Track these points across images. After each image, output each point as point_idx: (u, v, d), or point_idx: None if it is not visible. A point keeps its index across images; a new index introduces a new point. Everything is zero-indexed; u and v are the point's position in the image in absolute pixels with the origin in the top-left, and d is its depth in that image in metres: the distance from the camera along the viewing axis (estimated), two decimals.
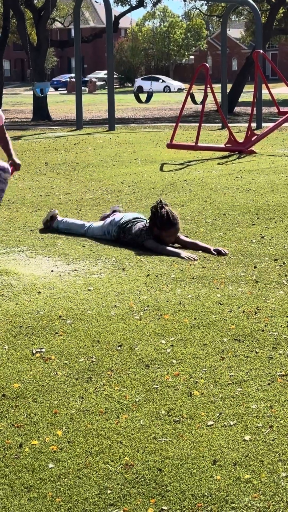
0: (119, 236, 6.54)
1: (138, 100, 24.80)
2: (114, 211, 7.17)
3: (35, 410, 3.35)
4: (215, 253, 6.06)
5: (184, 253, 6.05)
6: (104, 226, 6.70)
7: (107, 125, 20.21)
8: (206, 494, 2.70)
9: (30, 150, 14.54)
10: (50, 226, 7.04)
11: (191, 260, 5.89)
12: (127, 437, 3.10)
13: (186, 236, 6.63)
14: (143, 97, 25.44)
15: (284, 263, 5.76)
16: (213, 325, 4.39)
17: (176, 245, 6.37)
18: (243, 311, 4.62)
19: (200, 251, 6.17)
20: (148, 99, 24.93)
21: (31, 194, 9.31)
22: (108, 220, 6.75)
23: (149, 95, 24.80)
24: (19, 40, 33.49)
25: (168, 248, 6.18)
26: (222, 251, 6.07)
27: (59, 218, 7.03)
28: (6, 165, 6.41)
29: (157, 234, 6.31)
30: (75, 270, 5.65)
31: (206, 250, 6.16)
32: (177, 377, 3.67)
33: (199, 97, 22.12)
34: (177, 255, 6.03)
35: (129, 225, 6.50)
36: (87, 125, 21.98)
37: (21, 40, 26.71)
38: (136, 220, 6.54)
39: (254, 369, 3.76)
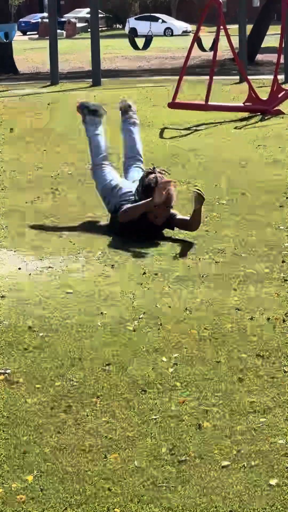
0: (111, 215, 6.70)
1: (134, 46, 24.77)
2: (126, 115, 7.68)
3: None
4: (198, 204, 6.21)
5: (157, 198, 6.20)
6: (105, 189, 6.86)
7: (91, 80, 20.20)
8: None
9: None
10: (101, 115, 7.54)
11: (166, 190, 6.17)
12: (117, 482, 3.11)
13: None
14: (140, 42, 25.42)
15: None
16: (229, 337, 4.40)
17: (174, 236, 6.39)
18: (268, 319, 4.63)
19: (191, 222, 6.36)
20: (146, 45, 24.90)
21: None
22: (114, 182, 6.85)
23: (148, 39, 24.77)
24: None
25: (137, 204, 6.35)
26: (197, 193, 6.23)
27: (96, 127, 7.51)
28: None
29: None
30: (49, 267, 5.65)
31: (192, 215, 6.33)
32: (182, 405, 3.68)
33: (208, 42, 22.07)
34: (149, 203, 6.20)
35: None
36: (64, 79, 21.96)
37: None
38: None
39: (282, 394, 3.76)
